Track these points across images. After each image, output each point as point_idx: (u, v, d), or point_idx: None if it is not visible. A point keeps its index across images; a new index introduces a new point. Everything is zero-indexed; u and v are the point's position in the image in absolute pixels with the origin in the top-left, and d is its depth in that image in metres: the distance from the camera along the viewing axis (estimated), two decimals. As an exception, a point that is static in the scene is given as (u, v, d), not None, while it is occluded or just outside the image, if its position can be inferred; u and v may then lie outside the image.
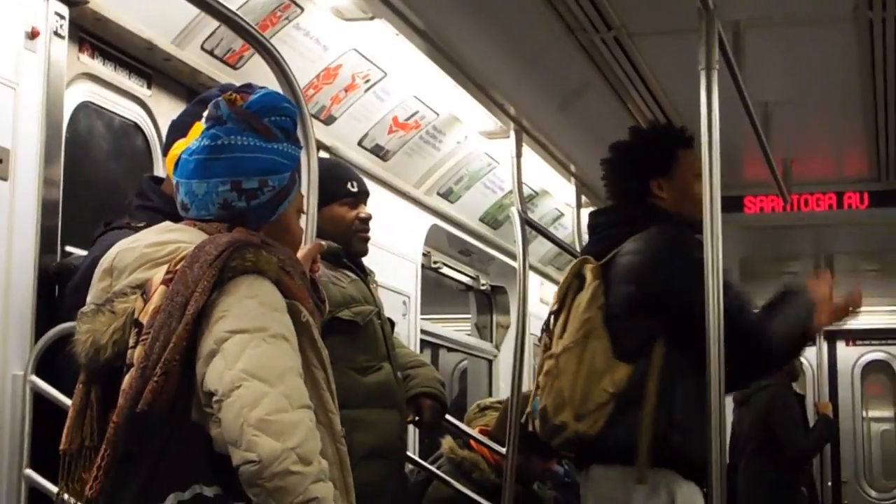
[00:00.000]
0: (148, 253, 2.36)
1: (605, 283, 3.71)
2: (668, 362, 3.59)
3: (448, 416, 4.53)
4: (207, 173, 2.39)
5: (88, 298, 2.41)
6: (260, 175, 2.41)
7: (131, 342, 2.26)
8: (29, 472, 3.23)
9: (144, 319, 2.25)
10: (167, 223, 2.47)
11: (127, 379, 2.23)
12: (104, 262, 2.42)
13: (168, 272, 2.27)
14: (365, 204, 4.00)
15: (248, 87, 2.53)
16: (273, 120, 2.45)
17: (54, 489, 3.08)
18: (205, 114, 2.49)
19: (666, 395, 3.56)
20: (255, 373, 2.15)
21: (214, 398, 2.16)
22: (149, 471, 2.14)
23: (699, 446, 3.31)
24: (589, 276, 3.72)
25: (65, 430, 2.40)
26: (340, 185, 3.94)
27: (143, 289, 2.31)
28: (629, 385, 3.58)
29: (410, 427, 4.29)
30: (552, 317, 3.85)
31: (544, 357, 3.77)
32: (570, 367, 3.62)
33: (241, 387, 2.13)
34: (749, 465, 8.08)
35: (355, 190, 3.96)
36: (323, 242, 2.88)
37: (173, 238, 2.38)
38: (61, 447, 2.39)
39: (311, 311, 2.40)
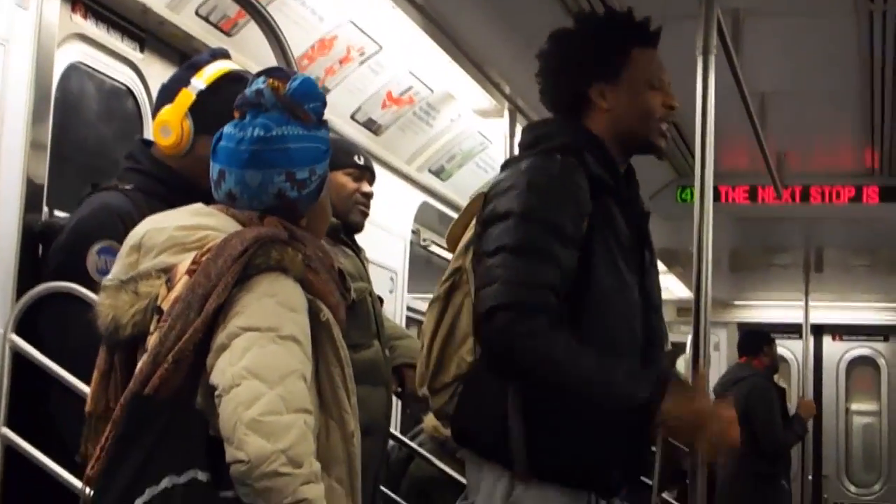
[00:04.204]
0: (177, 236, 2.36)
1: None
2: None
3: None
4: (263, 164, 2.39)
5: (114, 270, 2.42)
6: (310, 164, 2.43)
7: (151, 328, 2.29)
8: (6, 431, 3.20)
9: (166, 307, 2.27)
10: (199, 205, 2.46)
11: (140, 364, 2.25)
12: (133, 238, 2.42)
13: (193, 262, 2.28)
14: (369, 182, 3.99)
15: (280, 72, 2.52)
16: (311, 107, 2.45)
17: (31, 449, 3.11)
18: (239, 99, 2.46)
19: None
20: (257, 372, 2.17)
21: (216, 392, 2.18)
22: (146, 452, 2.16)
23: (546, 440, 2.71)
24: (473, 216, 2.92)
25: (90, 393, 2.43)
26: (347, 154, 3.93)
27: (168, 274, 2.32)
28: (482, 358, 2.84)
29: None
30: None
31: None
32: (429, 329, 2.99)
33: (241, 385, 2.15)
34: (728, 457, 8.08)
35: (361, 163, 3.96)
36: None
37: (204, 223, 2.38)
38: (87, 409, 2.41)
39: (336, 306, 2.40)
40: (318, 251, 2.42)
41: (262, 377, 2.16)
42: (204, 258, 2.27)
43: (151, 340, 2.25)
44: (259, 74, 2.50)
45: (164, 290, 2.30)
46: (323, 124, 2.49)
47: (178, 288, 2.26)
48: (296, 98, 2.42)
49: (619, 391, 2.63)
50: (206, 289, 2.22)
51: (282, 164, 2.39)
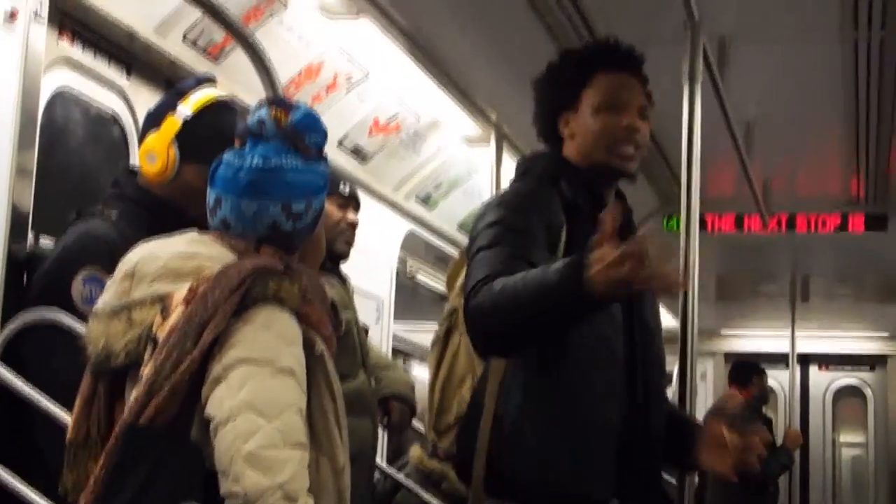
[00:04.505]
0: (172, 265, 2.33)
1: None
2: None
3: (416, 423, 4.50)
4: (259, 194, 2.37)
5: (105, 297, 2.38)
6: (306, 197, 2.41)
7: (146, 357, 2.26)
8: (-12, 461, 3.17)
9: (161, 336, 2.24)
10: (194, 234, 2.44)
11: (134, 393, 2.22)
12: (126, 264, 2.39)
13: (190, 291, 2.25)
14: (355, 211, 3.97)
15: (282, 103, 2.48)
16: (312, 139, 2.43)
17: (13, 481, 3.06)
18: (240, 126, 2.45)
19: (502, 400, 2.75)
20: (255, 405, 2.14)
21: (212, 424, 2.15)
22: (141, 484, 2.14)
23: (534, 472, 2.70)
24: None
25: (72, 420, 2.39)
26: (332, 183, 3.92)
27: (163, 303, 2.29)
28: (476, 389, 2.88)
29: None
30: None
31: None
32: (430, 372, 3.04)
33: (238, 418, 2.13)
34: (716, 485, 8.09)
35: (346, 192, 3.95)
36: None
37: (199, 252, 2.35)
38: (68, 438, 2.38)
39: (329, 338, 2.38)
40: (311, 283, 2.39)
41: (261, 411, 2.14)
42: (201, 288, 2.24)
43: (146, 370, 2.22)
44: (262, 103, 2.48)
45: (159, 318, 2.27)
46: (323, 158, 2.48)
47: (174, 317, 2.23)
48: (297, 129, 2.40)
49: (547, 288, 2.39)
50: (202, 318, 2.19)
51: (278, 194, 2.37)
